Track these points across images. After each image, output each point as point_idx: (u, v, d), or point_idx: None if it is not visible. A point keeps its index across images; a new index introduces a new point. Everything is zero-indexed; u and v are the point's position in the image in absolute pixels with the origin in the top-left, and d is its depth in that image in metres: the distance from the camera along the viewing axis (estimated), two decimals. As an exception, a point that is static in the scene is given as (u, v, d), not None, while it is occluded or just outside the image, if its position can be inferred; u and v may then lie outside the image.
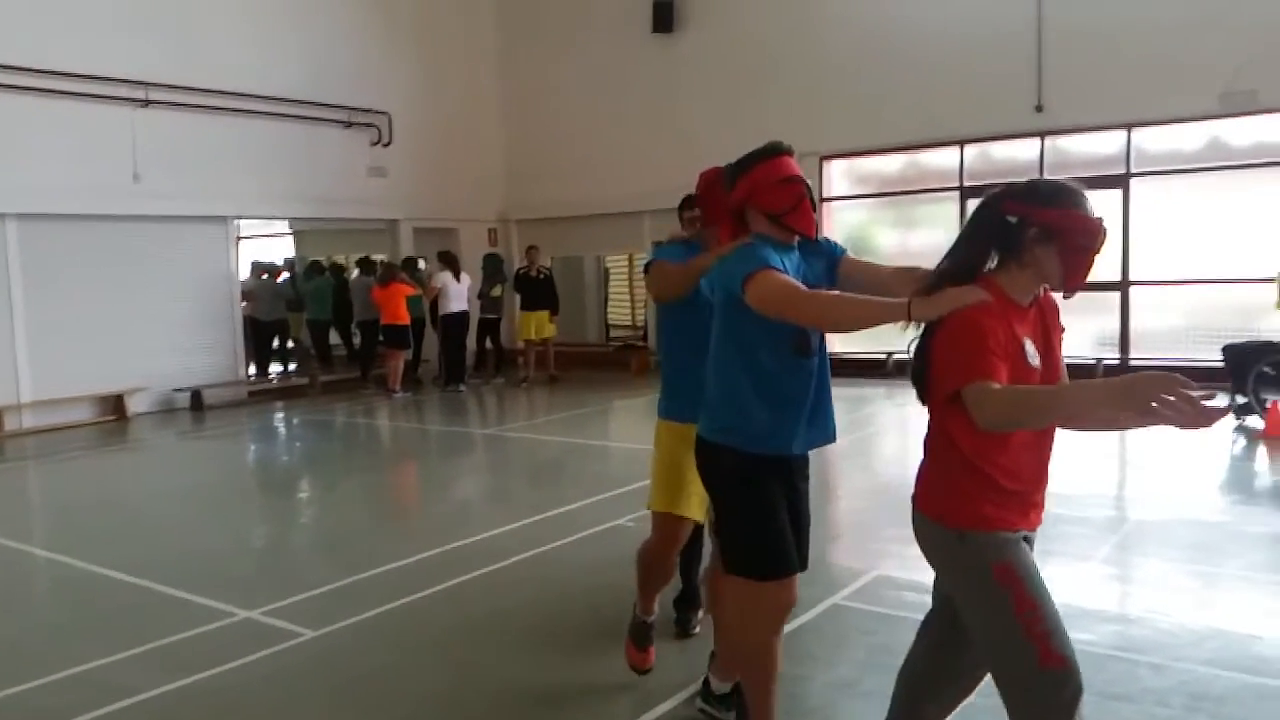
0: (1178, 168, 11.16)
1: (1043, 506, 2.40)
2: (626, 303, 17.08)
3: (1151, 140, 11.34)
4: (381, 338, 13.41)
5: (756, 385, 2.79)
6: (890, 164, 13.16)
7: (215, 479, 8.72)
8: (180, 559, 5.75)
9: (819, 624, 4.29)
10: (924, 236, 12.75)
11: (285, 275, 15.66)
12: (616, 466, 8.23)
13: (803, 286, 2.65)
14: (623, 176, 14.66)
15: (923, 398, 2.38)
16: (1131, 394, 1.94)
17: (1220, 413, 1.94)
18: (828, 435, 2.95)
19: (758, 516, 2.83)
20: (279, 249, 18.30)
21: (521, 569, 5.29)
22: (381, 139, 14.42)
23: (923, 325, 2.34)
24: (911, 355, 2.40)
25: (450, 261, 13.21)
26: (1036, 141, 11.91)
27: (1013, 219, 2.29)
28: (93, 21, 11.34)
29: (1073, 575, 4.87)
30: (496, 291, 14.02)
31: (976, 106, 11.86)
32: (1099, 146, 11.65)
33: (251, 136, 12.83)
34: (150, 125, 11.83)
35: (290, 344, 15.78)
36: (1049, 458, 2.38)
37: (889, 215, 13.63)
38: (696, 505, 3.53)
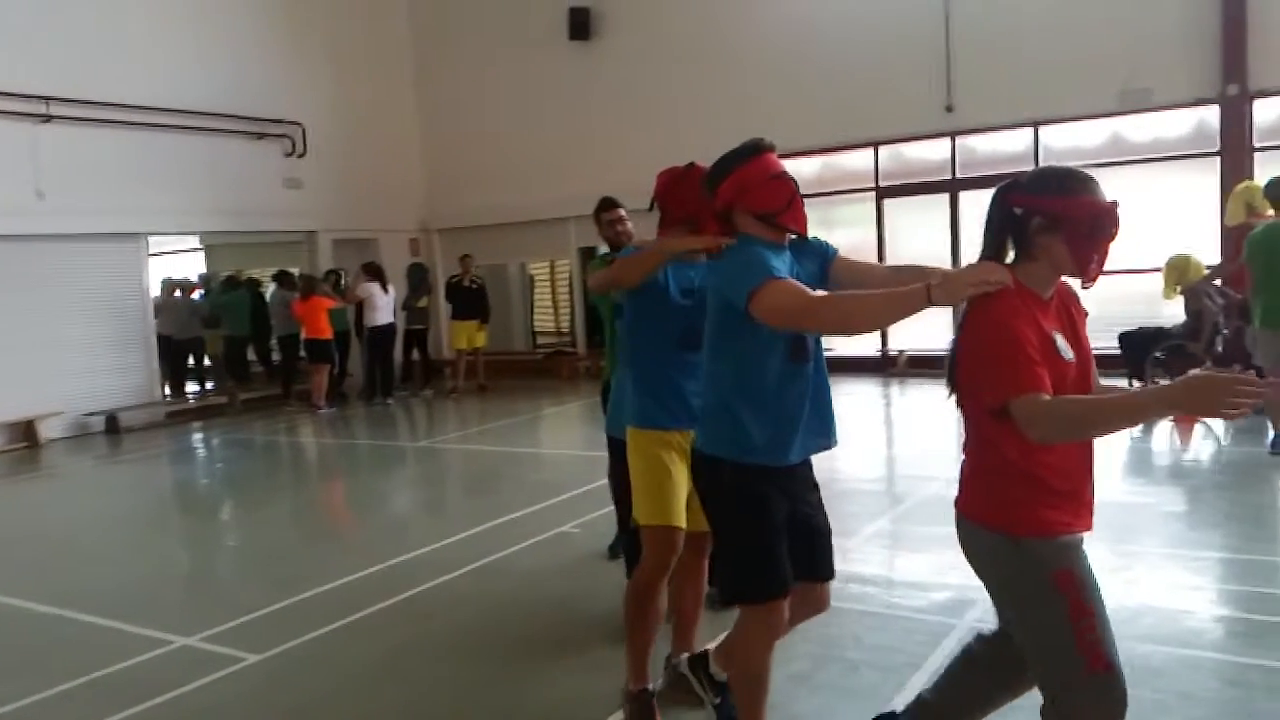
0: (1082, 163, 11.57)
1: (1093, 505, 2.35)
2: (551, 310, 17.05)
3: (1057, 137, 11.78)
4: (304, 353, 13.14)
5: (753, 395, 2.69)
6: (808, 166, 13.39)
7: (138, 504, 8.44)
8: (109, 588, 5.56)
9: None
10: (843, 236, 12.97)
11: (199, 292, 15.21)
12: (555, 474, 8.22)
13: (812, 292, 2.56)
14: (545, 183, 14.65)
15: (954, 395, 2.36)
16: (1193, 400, 1.92)
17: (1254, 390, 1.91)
18: (827, 440, 2.85)
19: (754, 541, 2.73)
20: (192, 265, 17.78)
21: (468, 581, 5.24)
22: (295, 150, 14.16)
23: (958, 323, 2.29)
24: (948, 356, 2.35)
25: (376, 273, 13.02)
26: (948, 141, 12.27)
27: (1018, 210, 2.27)
28: (-12, 34, 10.92)
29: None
30: (423, 302, 13.86)
31: (889, 109, 12.15)
32: (1007, 145, 12.05)
33: (160, 150, 12.47)
34: (53, 141, 11.42)
35: (207, 361, 15.35)
36: (1093, 452, 2.35)
37: (809, 216, 13.80)
38: (684, 513, 3.32)
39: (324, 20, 14.68)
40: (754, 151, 2.77)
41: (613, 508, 5.36)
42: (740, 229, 2.77)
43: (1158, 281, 9.18)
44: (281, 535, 6.99)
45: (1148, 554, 5.14)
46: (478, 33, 15.47)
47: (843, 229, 13.22)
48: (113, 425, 11.84)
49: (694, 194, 3.08)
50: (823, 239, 2.93)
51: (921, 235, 12.55)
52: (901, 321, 2.42)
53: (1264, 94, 10.41)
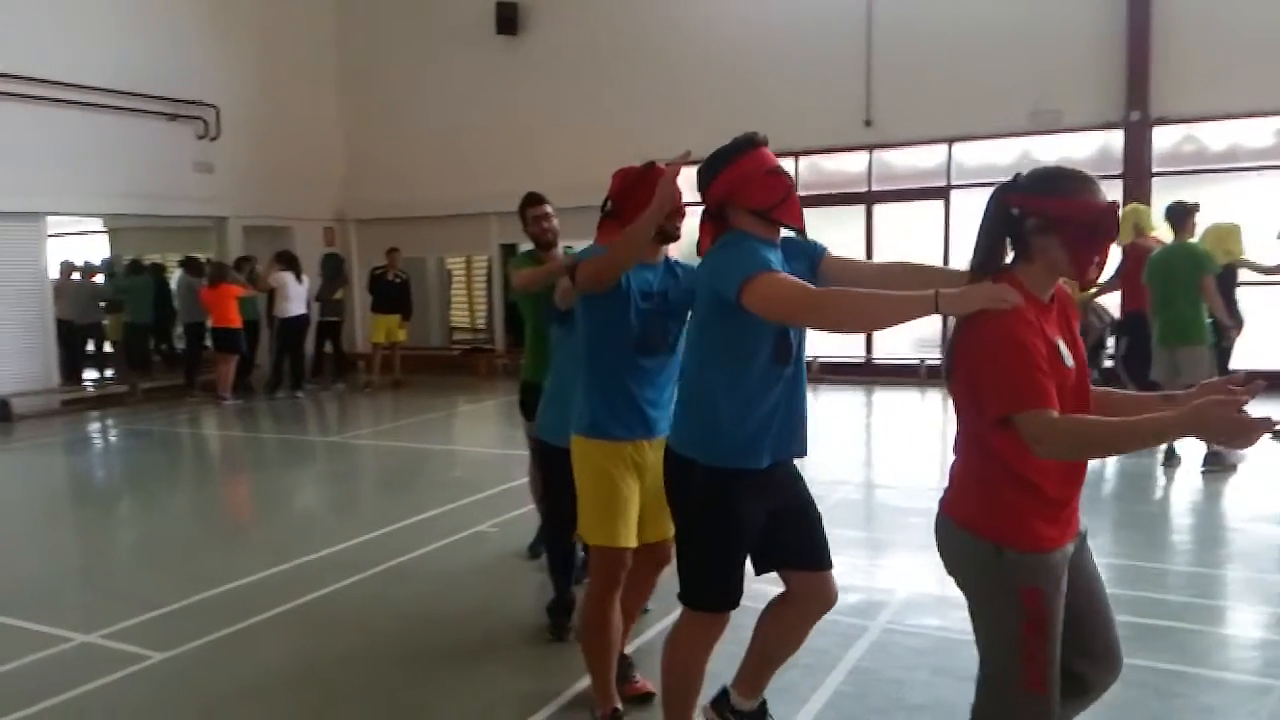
0: (994, 181, 11.95)
1: (1079, 515, 2.34)
2: (466, 305, 16.89)
3: (969, 155, 12.15)
4: (210, 342, 12.75)
5: (732, 395, 2.64)
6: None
7: (32, 496, 8.09)
8: (2, 583, 5.33)
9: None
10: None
11: (100, 276, 14.64)
12: (471, 472, 8.14)
13: (813, 287, 2.50)
14: (468, 177, 14.51)
15: (951, 395, 2.32)
16: (1204, 426, 1.91)
17: (1262, 424, 1.91)
18: (798, 448, 2.80)
19: (715, 551, 2.71)
20: (95, 247, 17.12)
21: (381, 582, 5.16)
22: (209, 133, 13.74)
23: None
24: (944, 354, 2.33)
25: (290, 262, 12.69)
26: (866, 155, 12.55)
27: (1015, 210, 2.23)
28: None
29: (918, 564, 5.17)
30: (338, 294, 13.58)
31: (810, 121, 12.36)
32: (923, 160, 12.40)
33: (64, 128, 11.94)
34: (-53, 113, 10.88)
35: (107, 348, 14.80)
36: (1086, 461, 2.31)
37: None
38: (634, 532, 3.22)
39: (244, 1, 14.27)
40: (748, 146, 2.71)
41: (532, 507, 5.39)
42: (734, 224, 2.70)
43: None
44: (185, 531, 6.77)
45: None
46: (404, 22, 15.24)
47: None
48: (4, 412, 11.31)
49: (653, 194, 3.01)
50: (812, 238, 2.88)
51: (837, 245, 12.66)
52: (898, 326, 2.40)
53: (1163, 121, 10.93)
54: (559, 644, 4.17)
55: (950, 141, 12.07)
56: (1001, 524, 2.21)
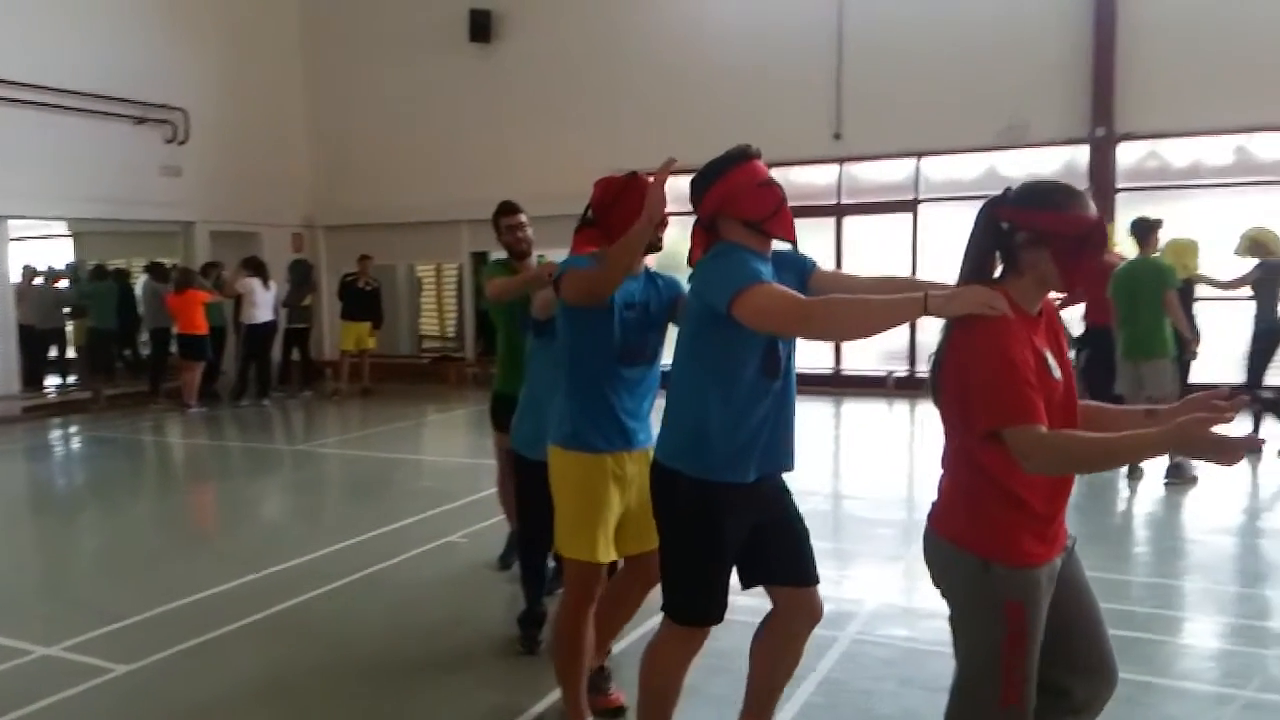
0: (961, 194, 12.12)
1: (1065, 528, 2.34)
2: (436, 313, 16.81)
3: (936, 169, 12.29)
4: (175, 348, 12.60)
5: (721, 408, 2.63)
6: (701, 182, 13.61)
7: (-10, 504, 7.96)
8: (-41, 594, 5.24)
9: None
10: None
11: (64, 281, 14.43)
12: (441, 481, 8.10)
13: (803, 297, 2.49)
14: (439, 185, 14.46)
15: (937, 408, 2.31)
16: (1189, 442, 1.92)
17: (1245, 443, 1.94)
18: (785, 463, 2.79)
19: (699, 565, 2.71)
20: (59, 252, 16.87)
21: (350, 593, 5.12)
22: (177, 137, 13.59)
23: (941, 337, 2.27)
24: (930, 367, 2.31)
25: (258, 268, 12.59)
26: (835, 167, 12.66)
27: (1005, 224, 2.23)
28: None
29: (886, 575, 5.21)
30: (307, 300, 13.47)
31: (781, 133, 12.39)
32: (891, 174, 12.52)
33: (27, 130, 11.76)
34: (-93, 113, 10.69)
35: (71, 353, 14.58)
36: (1074, 476, 2.32)
37: (698, 232, 14.06)
38: (612, 545, 3.19)
39: (213, 5, 14.15)
40: (741, 158, 2.71)
41: (502, 518, 5.37)
42: (725, 236, 2.70)
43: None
44: (149, 541, 6.68)
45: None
46: (375, 28, 15.17)
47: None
48: (-38, 418, 11.13)
49: (637, 204, 3.00)
50: (801, 252, 2.88)
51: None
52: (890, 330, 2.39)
53: (1128, 137, 11.11)
54: (530, 656, 4.15)
55: (918, 155, 12.21)
56: (989, 539, 2.21)
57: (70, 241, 17.57)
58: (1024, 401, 2.08)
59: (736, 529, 2.73)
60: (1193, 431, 1.91)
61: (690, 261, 2.80)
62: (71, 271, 15.24)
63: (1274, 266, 8.00)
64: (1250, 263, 8.12)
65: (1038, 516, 2.21)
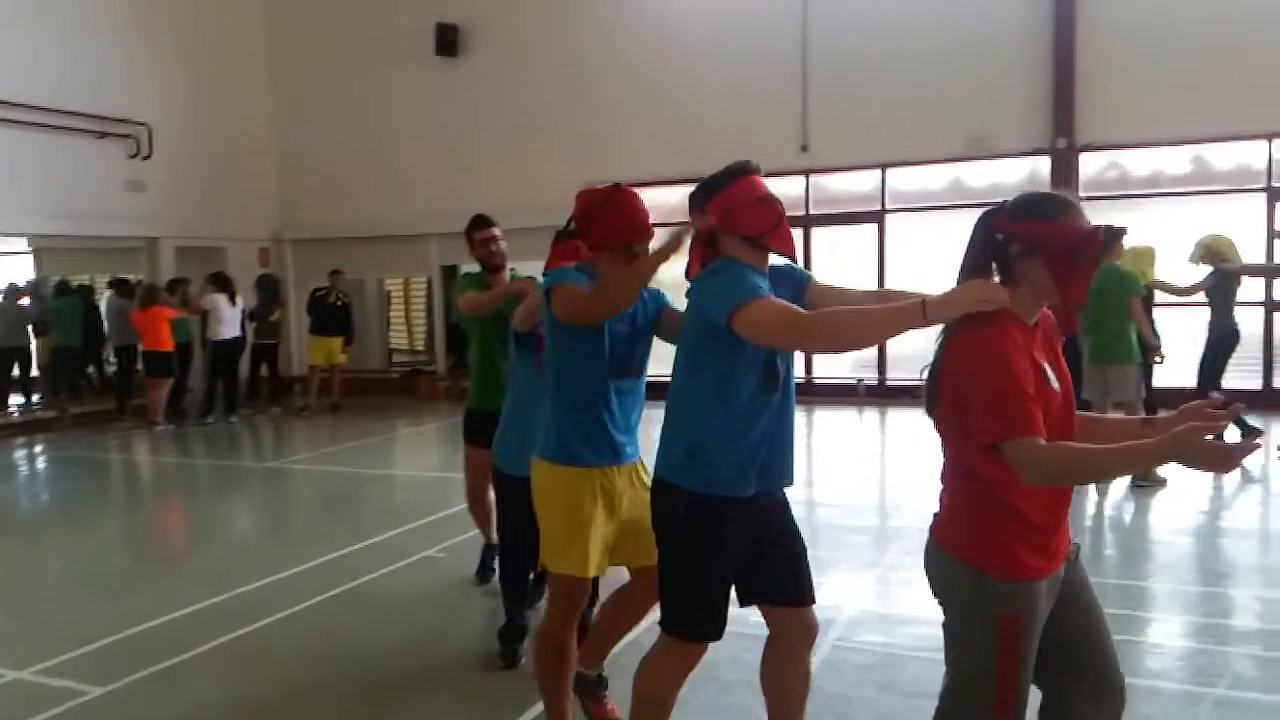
0: (926, 205, 12.28)
1: (1068, 534, 2.34)
2: (404, 327, 16.76)
3: (902, 180, 12.44)
4: (142, 365, 12.44)
5: (720, 422, 2.63)
6: (670, 196, 13.66)
7: (-47, 526, 7.80)
8: (-75, 619, 5.14)
9: (644, 641, 4.40)
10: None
11: (27, 299, 14.19)
12: (415, 496, 8.06)
13: (802, 310, 2.51)
14: (407, 198, 14.42)
15: (934, 421, 2.32)
16: (1184, 452, 1.92)
17: (1242, 450, 1.94)
18: (785, 477, 2.81)
19: (698, 581, 2.72)
20: (19, 268, 16.60)
21: (325, 610, 5.08)
22: (140, 151, 13.45)
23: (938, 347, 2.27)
24: (926, 378, 2.32)
25: (223, 283, 12.47)
26: (803, 179, 12.77)
27: (999, 235, 2.24)
28: None
29: (862, 581, 5.26)
30: (274, 316, 13.36)
31: (748, 145, 12.36)
32: (857, 184, 12.66)
33: (-13, 145, 11.62)
34: None
35: (35, 372, 14.33)
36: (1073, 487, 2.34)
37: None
38: (600, 562, 3.17)
39: (176, 16, 14.04)
40: (740, 173, 2.73)
41: (478, 531, 5.36)
42: (724, 251, 2.71)
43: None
44: (119, 561, 6.60)
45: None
46: (341, 42, 15.12)
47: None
48: (-78, 439, 10.92)
49: (620, 218, 3.04)
50: (796, 266, 2.89)
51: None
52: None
53: (1089, 148, 11.31)
54: (511, 670, 4.15)
55: (884, 167, 12.35)
56: (987, 551, 2.22)
57: (31, 257, 17.32)
58: (1022, 414, 2.08)
59: (736, 544, 2.73)
60: (1189, 441, 1.92)
61: (688, 275, 2.82)
62: (34, 288, 14.99)
63: (1228, 273, 8.19)
64: (1206, 269, 8.30)
65: (1036, 528, 2.21)
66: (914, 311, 2.22)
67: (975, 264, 2.27)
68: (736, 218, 2.67)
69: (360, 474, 9.18)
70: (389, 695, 4.00)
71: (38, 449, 11.08)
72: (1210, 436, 1.96)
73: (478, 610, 4.93)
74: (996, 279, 2.25)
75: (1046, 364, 2.22)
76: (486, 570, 5.28)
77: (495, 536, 5.12)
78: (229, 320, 12.42)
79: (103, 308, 14.12)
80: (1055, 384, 2.21)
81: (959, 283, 2.27)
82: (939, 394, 2.26)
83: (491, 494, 4.60)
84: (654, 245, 3.04)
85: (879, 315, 2.35)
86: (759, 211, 2.68)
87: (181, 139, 13.88)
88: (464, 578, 5.43)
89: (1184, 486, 7.16)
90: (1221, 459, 1.92)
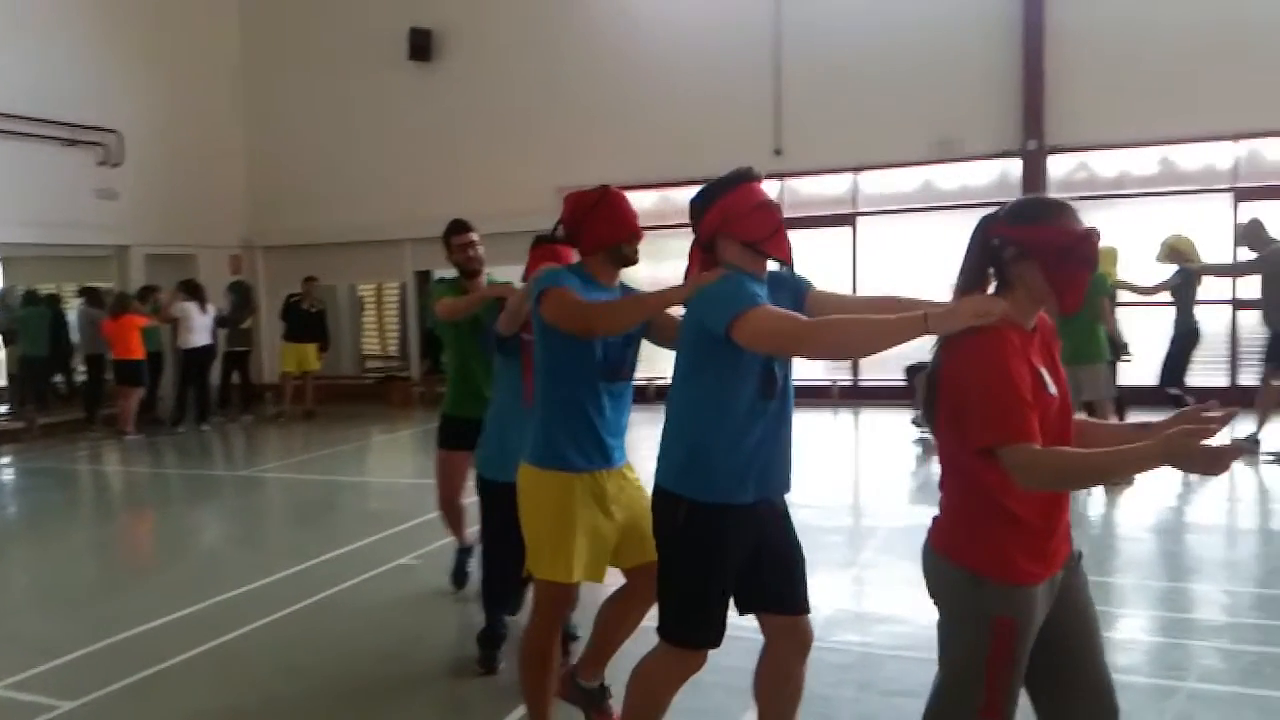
0: (897, 208, 12.37)
1: (1069, 537, 2.34)
2: (377, 333, 16.67)
3: (874, 183, 12.53)
4: (112, 374, 12.30)
5: (718, 429, 2.64)
6: (643, 200, 13.71)
7: (-81, 539, 7.68)
8: (-109, 634, 5.06)
9: (633, 649, 4.40)
10: (673, 268, 13.29)
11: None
12: (390, 503, 8.02)
13: (801, 317, 2.53)
14: (380, 204, 14.38)
15: (932, 426, 2.32)
16: (1177, 455, 1.93)
17: (1232, 452, 1.93)
18: (784, 484, 2.81)
19: (698, 589, 2.71)
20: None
21: (300, 621, 5.03)
22: (110, 159, 13.32)
23: (936, 352, 2.28)
24: (925, 384, 2.32)
25: (194, 291, 12.36)
26: (776, 183, 12.82)
27: (995, 241, 2.25)
28: None
29: (838, 581, 5.28)
30: (246, 323, 13.25)
31: (722, 149, 12.53)
32: (830, 188, 12.74)
33: (-47, 153, 11.47)
34: None
35: (3, 381, 14.14)
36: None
37: (643, 248, 14.12)
38: (586, 565, 3.14)
39: (146, 22, 13.92)
40: (739, 180, 2.74)
41: (453, 538, 5.34)
42: (723, 258, 2.73)
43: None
44: (88, 572, 6.52)
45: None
46: (313, 46, 15.06)
47: (674, 261, 13.44)
48: (-114, 452, 10.74)
49: (609, 220, 3.04)
50: (796, 273, 2.89)
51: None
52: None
53: (1058, 150, 11.44)
54: (489, 676, 4.13)
55: (856, 170, 12.44)
56: (983, 555, 2.22)
57: (-1, 266, 17.07)
58: (1019, 419, 2.09)
59: (737, 551, 2.73)
60: (1182, 444, 1.93)
61: (685, 279, 2.83)
62: (0, 298, 14.79)
63: (1191, 273, 8.31)
64: (1171, 269, 8.42)
65: (1033, 532, 2.22)
66: (915, 323, 2.23)
67: (972, 270, 2.29)
68: (736, 223, 2.69)
69: (334, 481, 9.12)
70: (367, 703, 3.98)
71: (5, 460, 10.92)
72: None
73: (454, 616, 4.92)
74: (993, 285, 2.27)
75: (1044, 369, 2.22)
76: (462, 575, 5.26)
77: (468, 539, 5.11)
78: (199, 328, 12.32)
79: (72, 317, 13.94)
80: (1053, 389, 2.22)
81: (956, 289, 2.29)
82: (938, 399, 2.27)
83: (464, 498, 4.58)
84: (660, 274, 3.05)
85: (879, 325, 2.33)
86: (757, 218, 2.69)
87: (152, 146, 13.76)
88: (440, 584, 5.39)
89: (1150, 485, 7.25)
90: (1213, 461, 1.92)
